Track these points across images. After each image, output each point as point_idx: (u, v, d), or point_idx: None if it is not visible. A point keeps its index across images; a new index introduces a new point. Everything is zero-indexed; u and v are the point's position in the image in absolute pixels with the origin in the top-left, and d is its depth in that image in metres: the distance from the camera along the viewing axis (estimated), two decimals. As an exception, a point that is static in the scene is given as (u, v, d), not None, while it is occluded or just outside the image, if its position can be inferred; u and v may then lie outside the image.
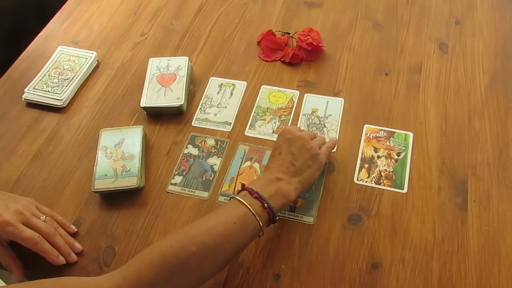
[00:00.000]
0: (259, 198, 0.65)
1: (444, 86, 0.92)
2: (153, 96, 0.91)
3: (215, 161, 0.84)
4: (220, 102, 0.92)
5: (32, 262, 0.72)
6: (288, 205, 0.74)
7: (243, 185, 0.68)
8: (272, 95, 0.93)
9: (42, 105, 0.93)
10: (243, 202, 0.64)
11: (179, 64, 0.95)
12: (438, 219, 0.75)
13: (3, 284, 0.90)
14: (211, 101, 0.93)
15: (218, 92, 0.94)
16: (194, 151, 0.86)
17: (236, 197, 0.66)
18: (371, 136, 0.85)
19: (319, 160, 0.73)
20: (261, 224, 0.64)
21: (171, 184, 0.81)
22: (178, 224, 0.77)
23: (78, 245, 0.74)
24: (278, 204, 0.67)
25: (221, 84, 0.96)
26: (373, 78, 0.94)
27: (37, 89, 0.94)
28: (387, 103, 0.90)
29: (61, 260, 0.71)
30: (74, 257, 0.73)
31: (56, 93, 0.93)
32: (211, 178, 0.82)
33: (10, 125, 0.92)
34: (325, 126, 0.87)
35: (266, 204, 0.65)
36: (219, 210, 0.66)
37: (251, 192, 0.66)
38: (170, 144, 0.87)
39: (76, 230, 0.76)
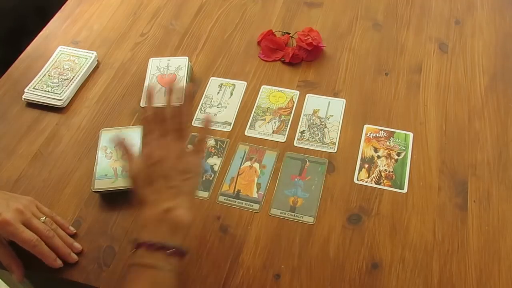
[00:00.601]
0: (160, 248, 0.57)
1: (444, 86, 0.92)
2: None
3: (215, 161, 0.84)
4: (220, 102, 0.92)
5: (32, 262, 0.71)
6: (190, 226, 0.61)
7: (137, 245, 0.59)
8: (272, 95, 0.93)
9: (42, 105, 0.93)
10: (146, 265, 0.57)
11: (179, 64, 0.95)
12: (438, 219, 0.75)
13: (3, 284, 0.90)
14: (211, 101, 0.93)
15: (218, 92, 0.94)
16: (194, 151, 0.86)
17: (135, 263, 0.57)
18: (371, 136, 0.85)
19: (194, 166, 0.65)
20: (176, 267, 0.57)
21: (171, 184, 0.81)
22: (178, 224, 0.76)
23: (77, 245, 0.74)
24: (179, 236, 0.59)
25: (221, 84, 0.96)
26: (373, 78, 0.94)
27: (37, 89, 0.94)
28: (387, 103, 0.90)
29: (59, 263, 0.71)
30: (74, 257, 0.73)
31: (56, 93, 0.93)
32: (211, 178, 0.82)
33: (10, 125, 0.91)
34: (326, 127, 0.87)
35: (169, 250, 0.57)
36: None
37: (149, 245, 0.57)
38: (170, 144, 0.87)
39: (75, 231, 0.76)
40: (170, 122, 0.66)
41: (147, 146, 0.65)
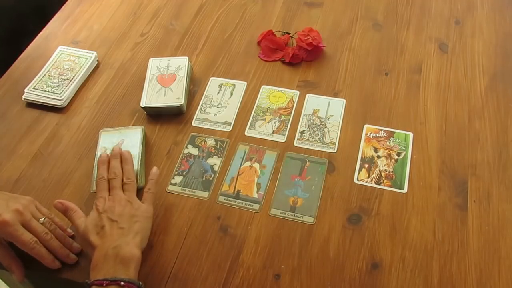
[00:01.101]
0: (112, 282, 0.61)
1: (444, 86, 0.92)
2: (153, 96, 0.91)
3: (215, 161, 0.84)
4: (220, 102, 0.92)
5: (32, 262, 0.71)
6: (139, 262, 0.66)
7: (88, 285, 0.63)
8: (272, 95, 0.93)
9: (42, 105, 0.93)
10: None
11: (179, 64, 0.95)
12: (438, 219, 0.75)
13: (3, 284, 0.90)
14: (211, 101, 0.93)
15: (218, 92, 0.94)
16: (194, 151, 0.86)
17: None
18: (371, 136, 0.85)
19: (142, 211, 0.71)
20: None
21: (171, 184, 0.81)
22: (178, 224, 0.77)
23: (76, 245, 0.74)
24: (131, 270, 0.64)
25: (221, 84, 0.96)
26: (373, 78, 0.94)
27: (37, 89, 0.94)
28: (387, 103, 0.90)
29: (57, 264, 0.71)
30: (73, 257, 0.73)
31: (56, 93, 0.93)
32: (211, 178, 0.82)
33: (10, 125, 0.91)
34: (326, 127, 0.87)
35: (122, 282, 0.62)
36: None
37: (100, 283, 0.62)
38: (170, 144, 0.87)
39: (72, 233, 0.76)
40: (117, 180, 0.75)
41: (99, 199, 0.73)
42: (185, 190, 0.81)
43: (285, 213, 0.77)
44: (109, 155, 0.80)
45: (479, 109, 0.88)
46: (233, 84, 0.95)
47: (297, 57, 0.97)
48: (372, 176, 0.80)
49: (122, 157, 0.79)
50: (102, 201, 0.72)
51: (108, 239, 0.67)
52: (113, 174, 0.76)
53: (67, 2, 1.14)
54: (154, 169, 0.77)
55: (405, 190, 0.78)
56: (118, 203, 0.71)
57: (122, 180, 0.76)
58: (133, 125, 0.89)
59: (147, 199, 0.74)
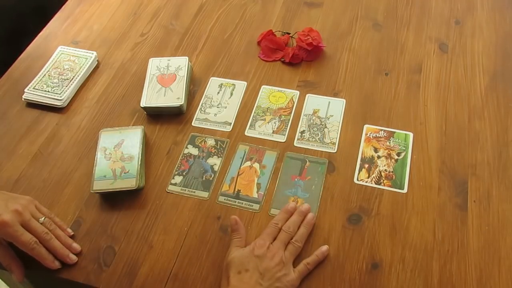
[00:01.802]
0: None
1: (444, 86, 0.92)
2: (153, 96, 0.91)
3: (215, 161, 0.84)
4: (220, 102, 0.92)
5: (32, 262, 0.72)
6: None
7: None
8: (272, 95, 0.93)
9: (42, 105, 0.93)
10: None
11: (179, 64, 0.95)
12: (438, 219, 0.75)
13: (3, 284, 0.90)
14: (211, 101, 0.93)
15: (218, 92, 0.94)
16: (194, 151, 0.86)
17: None
18: (371, 136, 0.85)
19: (288, 280, 0.67)
20: None
21: (171, 184, 0.81)
22: (178, 224, 0.77)
23: (76, 246, 0.74)
24: None
25: (221, 84, 0.96)
26: (373, 78, 0.94)
27: (37, 89, 0.94)
28: (387, 103, 0.90)
29: (57, 264, 0.72)
30: (73, 257, 0.73)
31: (56, 93, 0.93)
32: (211, 178, 0.82)
33: (10, 125, 0.91)
34: (326, 127, 0.87)
35: None
36: None
37: None
38: (170, 144, 0.87)
39: (72, 233, 0.76)
40: (288, 236, 0.72)
41: (260, 241, 0.70)
42: (185, 190, 0.81)
43: (285, 213, 0.77)
44: (297, 207, 0.76)
45: (479, 109, 0.88)
46: (233, 84, 0.95)
47: (297, 57, 0.97)
48: (372, 176, 0.80)
49: (305, 218, 0.74)
50: (262, 244, 0.69)
51: (244, 286, 0.65)
52: (288, 227, 0.72)
53: (67, 2, 1.15)
54: (324, 248, 0.72)
55: (405, 190, 0.78)
56: (273, 258, 0.68)
57: (292, 238, 0.72)
58: (133, 125, 0.89)
59: (300, 271, 0.69)
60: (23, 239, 0.68)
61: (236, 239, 0.72)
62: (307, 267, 0.70)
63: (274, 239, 0.72)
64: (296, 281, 0.68)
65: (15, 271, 0.71)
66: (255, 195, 0.79)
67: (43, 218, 0.72)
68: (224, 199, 0.79)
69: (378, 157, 0.83)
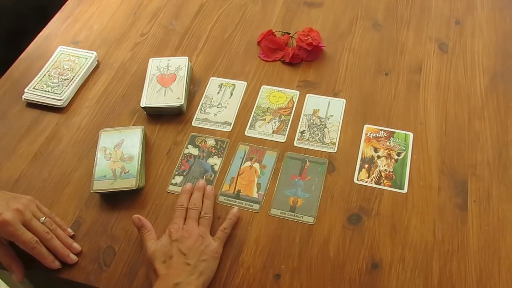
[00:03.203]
0: None
1: (444, 86, 0.92)
2: (153, 96, 0.91)
3: (216, 161, 0.84)
4: (220, 102, 0.92)
5: (33, 263, 0.72)
6: None
7: None
8: (272, 95, 0.93)
9: (42, 105, 0.93)
10: None
11: (179, 64, 0.95)
12: (438, 219, 0.75)
13: (3, 284, 0.90)
14: (211, 101, 0.93)
15: (218, 92, 0.94)
16: (194, 151, 0.86)
17: None
18: (371, 136, 0.85)
19: (211, 251, 0.70)
20: None
21: (172, 184, 0.81)
22: (178, 224, 0.77)
23: (76, 246, 0.74)
24: None
25: (221, 84, 0.96)
26: (373, 78, 0.94)
27: (37, 89, 0.94)
28: (387, 103, 0.90)
29: (57, 264, 0.72)
30: (73, 257, 0.73)
31: (56, 93, 0.93)
32: (211, 178, 0.82)
33: (10, 125, 0.91)
34: (326, 127, 0.87)
35: None
36: None
37: None
38: (170, 144, 0.87)
39: (73, 233, 0.76)
40: (195, 212, 0.75)
41: (174, 225, 0.72)
42: (185, 190, 0.81)
43: (285, 213, 0.77)
44: (193, 186, 0.79)
45: (479, 109, 0.88)
46: (233, 84, 0.95)
47: (297, 57, 0.97)
48: (372, 176, 0.80)
49: (205, 192, 0.78)
50: (176, 228, 0.71)
51: (173, 271, 0.66)
52: (193, 204, 0.75)
53: (67, 2, 1.14)
54: (235, 210, 0.76)
55: (405, 190, 0.78)
56: (191, 235, 0.70)
57: (200, 213, 0.75)
58: (133, 125, 0.89)
59: (220, 238, 0.72)
60: (24, 238, 0.68)
61: (146, 234, 0.73)
62: (225, 232, 0.73)
63: (185, 219, 0.74)
64: (219, 248, 0.71)
65: (15, 271, 0.71)
66: (255, 195, 0.79)
67: (44, 217, 0.72)
68: (224, 199, 0.79)
69: (378, 157, 0.83)
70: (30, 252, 0.70)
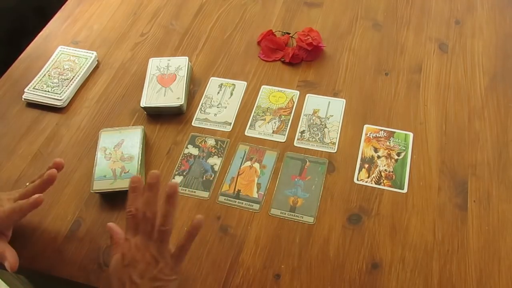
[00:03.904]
0: None
1: (444, 86, 0.92)
2: (153, 96, 0.91)
3: (216, 161, 0.84)
4: (220, 102, 0.92)
5: (33, 262, 0.72)
6: None
7: None
8: (272, 95, 0.93)
9: (42, 105, 0.93)
10: None
11: (179, 64, 0.95)
12: (438, 219, 0.75)
13: (3, 284, 0.90)
14: (211, 101, 0.93)
15: (218, 92, 0.94)
16: (194, 151, 0.86)
17: None
18: (371, 136, 0.85)
19: (167, 273, 0.61)
20: None
21: (171, 184, 0.81)
22: (178, 224, 0.76)
23: (57, 160, 0.71)
24: None
25: (221, 84, 0.96)
26: (373, 78, 0.94)
27: (37, 89, 0.94)
28: (387, 103, 0.90)
29: (34, 197, 0.67)
30: (53, 172, 0.70)
31: (56, 93, 0.93)
32: (211, 178, 0.82)
33: (10, 125, 0.91)
34: (326, 127, 0.87)
35: None
36: None
37: None
38: (170, 144, 0.87)
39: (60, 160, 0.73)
40: (149, 225, 0.62)
41: (125, 244, 0.62)
42: (185, 190, 0.81)
43: (285, 213, 0.77)
44: (142, 182, 0.65)
45: (479, 109, 0.88)
46: (233, 84, 0.95)
47: (297, 57, 0.97)
48: (372, 176, 0.80)
49: (167, 193, 0.61)
50: (127, 248, 0.61)
51: None
52: (143, 214, 0.62)
53: (67, 2, 1.14)
54: (196, 220, 0.62)
55: (405, 190, 0.78)
56: (143, 258, 0.60)
57: (156, 223, 0.62)
58: (133, 125, 0.89)
59: (177, 256, 0.63)
60: (12, 206, 0.67)
61: (113, 246, 0.65)
62: (183, 249, 0.63)
63: (138, 229, 0.62)
64: (176, 268, 0.62)
65: (9, 258, 0.67)
66: (255, 195, 0.79)
67: (28, 184, 0.72)
68: (224, 199, 0.79)
69: (378, 157, 0.83)
70: (17, 214, 0.68)
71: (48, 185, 0.71)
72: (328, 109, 0.90)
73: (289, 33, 1.03)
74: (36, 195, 0.67)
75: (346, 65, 0.97)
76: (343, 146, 0.84)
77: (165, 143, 0.87)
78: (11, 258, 0.68)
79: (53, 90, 0.94)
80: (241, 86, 0.95)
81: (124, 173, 0.80)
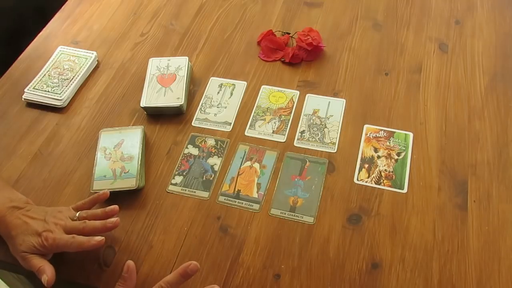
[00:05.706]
0: None
1: (444, 86, 0.92)
2: (153, 96, 0.91)
3: (215, 161, 0.84)
4: (220, 102, 0.92)
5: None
6: None
7: None
8: (272, 95, 0.93)
9: (42, 105, 0.93)
10: None
11: (179, 64, 0.96)
12: (438, 219, 0.75)
13: (3, 284, 0.90)
14: (211, 101, 0.93)
15: (218, 92, 0.94)
16: (194, 151, 0.86)
17: None
18: (371, 136, 0.85)
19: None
20: None
21: (172, 184, 0.81)
22: (178, 224, 0.77)
23: (112, 220, 0.71)
24: None
25: (221, 84, 0.96)
26: (373, 78, 0.94)
27: (37, 89, 0.94)
28: (387, 103, 0.90)
29: (97, 239, 0.69)
30: (113, 219, 0.71)
31: (56, 93, 0.93)
32: (211, 178, 0.82)
33: (10, 125, 0.91)
34: (326, 127, 0.87)
35: None
36: None
37: None
38: (170, 144, 0.87)
39: (116, 207, 0.74)
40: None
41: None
42: (185, 190, 0.81)
43: (285, 213, 0.77)
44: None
45: (479, 109, 0.88)
46: (233, 84, 0.95)
47: (297, 57, 0.97)
48: (372, 176, 0.80)
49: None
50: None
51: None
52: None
53: (67, 2, 1.14)
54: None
55: (405, 190, 0.78)
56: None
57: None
58: (133, 125, 0.89)
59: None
60: (64, 240, 0.68)
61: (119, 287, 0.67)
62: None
63: None
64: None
65: (48, 273, 0.68)
66: (255, 195, 0.79)
67: (77, 214, 0.73)
68: (224, 199, 0.79)
69: (378, 157, 0.83)
70: (71, 250, 0.69)
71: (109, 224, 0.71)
72: (328, 109, 0.90)
73: (289, 33, 1.03)
74: (99, 238, 0.69)
75: (346, 65, 0.97)
76: (343, 146, 0.84)
77: (165, 143, 0.87)
78: (50, 273, 0.69)
79: (53, 90, 0.94)
80: (241, 86, 0.95)
81: (124, 173, 0.80)
